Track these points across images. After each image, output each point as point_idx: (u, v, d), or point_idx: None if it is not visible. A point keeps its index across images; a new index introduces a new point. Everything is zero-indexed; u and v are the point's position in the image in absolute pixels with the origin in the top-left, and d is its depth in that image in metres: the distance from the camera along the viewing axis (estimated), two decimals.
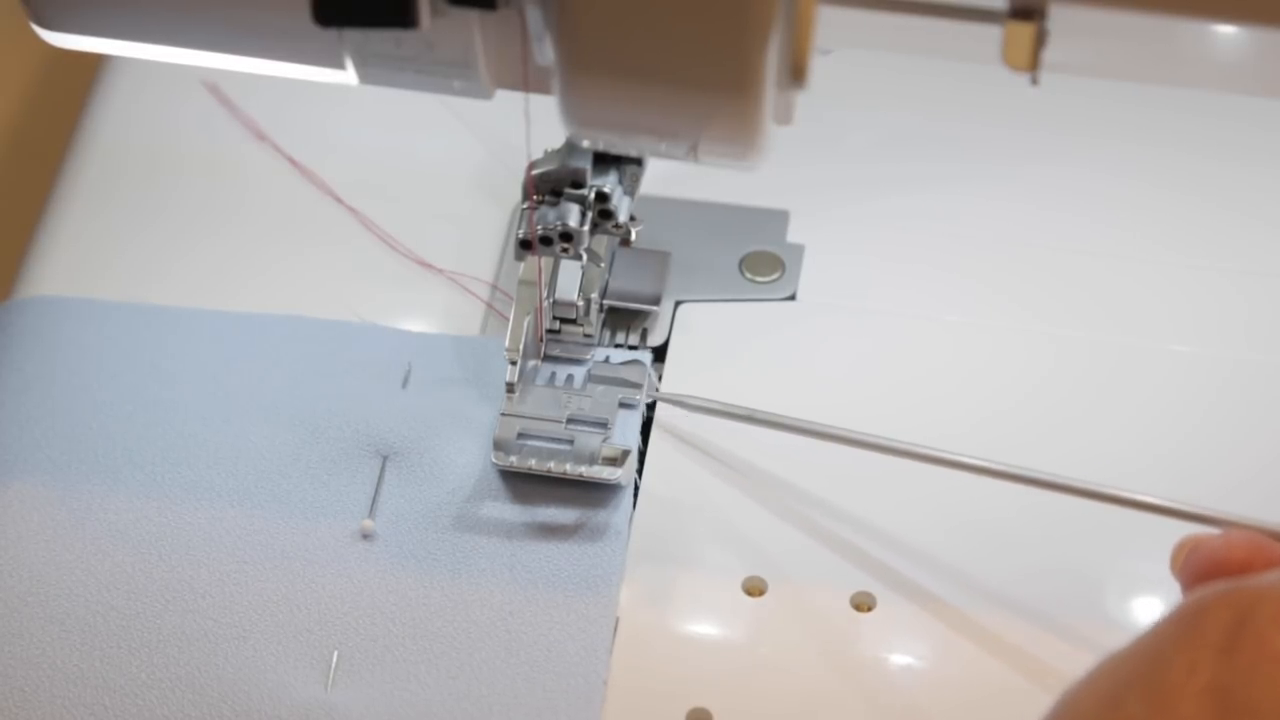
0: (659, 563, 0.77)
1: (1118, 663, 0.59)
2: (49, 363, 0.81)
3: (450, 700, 0.73)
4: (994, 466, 0.74)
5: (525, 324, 0.78)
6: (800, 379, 0.82)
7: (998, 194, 0.88)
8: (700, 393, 0.80)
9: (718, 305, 0.84)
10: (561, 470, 0.77)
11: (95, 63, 0.94)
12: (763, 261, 0.86)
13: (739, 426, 0.79)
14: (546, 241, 0.76)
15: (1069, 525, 0.76)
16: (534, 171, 0.76)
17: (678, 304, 0.84)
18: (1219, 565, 0.65)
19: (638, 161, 0.77)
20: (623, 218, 0.77)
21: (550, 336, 0.81)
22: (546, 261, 0.79)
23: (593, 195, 0.76)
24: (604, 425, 0.78)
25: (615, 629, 0.75)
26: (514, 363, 0.78)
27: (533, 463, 0.77)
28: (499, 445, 0.78)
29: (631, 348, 0.82)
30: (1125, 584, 0.76)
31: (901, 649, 0.74)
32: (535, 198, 0.76)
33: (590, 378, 0.80)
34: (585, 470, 0.77)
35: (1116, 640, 0.60)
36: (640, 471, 0.79)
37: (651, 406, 0.81)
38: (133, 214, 0.88)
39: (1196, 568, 0.66)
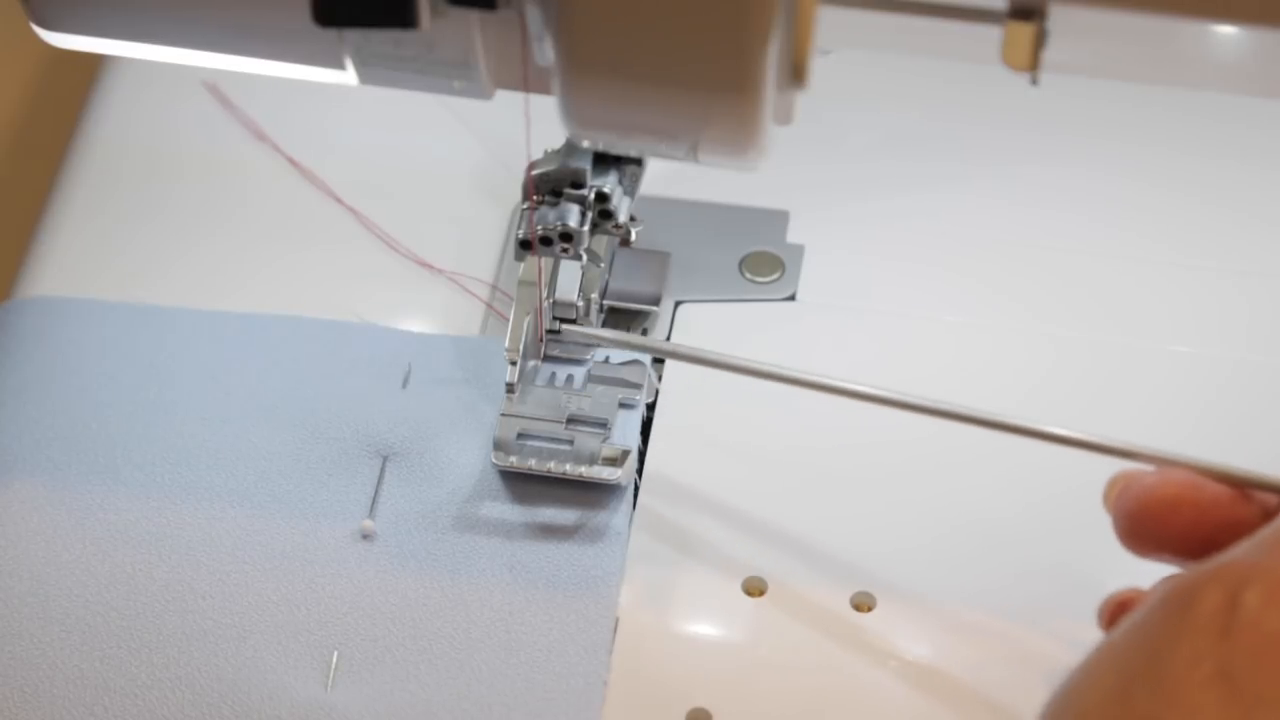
0: (659, 563, 0.77)
1: (1116, 654, 0.59)
2: (49, 363, 0.81)
3: (450, 700, 0.73)
4: (972, 414, 0.73)
5: (525, 324, 0.78)
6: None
7: (998, 194, 0.88)
8: (700, 393, 0.81)
9: (718, 305, 0.84)
10: (561, 470, 0.77)
11: (95, 63, 0.93)
12: (763, 261, 0.86)
13: (738, 426, 0.79)
14: (546, 242, 0.76)
15: (1069, 524, 0.76)
16: (534, 171, 0.76)
17: (678, 304, 0.84)
18: (1153, 501, 0.65)
19: (638, 161, 0.77)
20: (623, 218, 0.77)
21: (550, 337, 0.81)
22: (546, 261, 0.79)
23: (593, 195, 0.76)
24: (604, 425, 0.78)
25: (615, 629, 0.75)
26: (514, 363, 0.78)
27: (533, 463, 0.77)
28: (499, 445, 0.78)
29: None
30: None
31: (901, 649, 0.74)
32: (535, 198, 0.76)
33: (590, 378, 0.80)
34: (585, 470, 0.77)
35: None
36: (640, 472, 0.79)
37: (651, 406, 0.81)
38: (132, 214, 0.88)
39: (1131, 503, 0.66)
